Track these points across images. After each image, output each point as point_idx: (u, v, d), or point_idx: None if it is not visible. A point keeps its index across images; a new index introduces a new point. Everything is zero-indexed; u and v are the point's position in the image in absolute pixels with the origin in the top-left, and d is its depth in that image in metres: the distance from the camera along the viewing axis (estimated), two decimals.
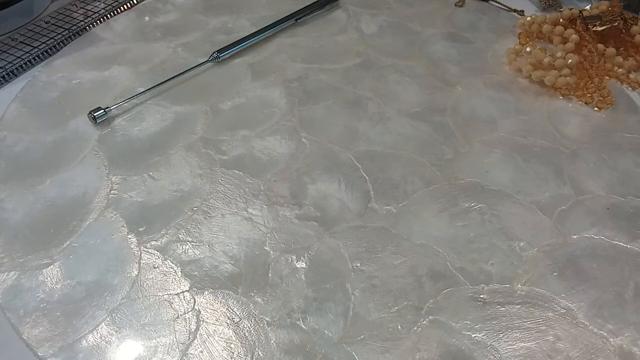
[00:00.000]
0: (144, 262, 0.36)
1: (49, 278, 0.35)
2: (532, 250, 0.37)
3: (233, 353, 0.32)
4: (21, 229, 0.38)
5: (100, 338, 0.32)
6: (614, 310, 0.34)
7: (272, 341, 0.32)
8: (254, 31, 0.56)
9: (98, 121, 0.46)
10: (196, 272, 0.36)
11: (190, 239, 0.38)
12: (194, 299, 0.34)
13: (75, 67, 0.52)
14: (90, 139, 0.45)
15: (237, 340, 0.32)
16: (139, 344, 0.32)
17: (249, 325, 0.33)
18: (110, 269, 0.36)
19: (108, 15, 0.60)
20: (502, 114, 0.48)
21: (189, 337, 0.32)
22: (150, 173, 0.42)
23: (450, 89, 0.50)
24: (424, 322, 0.33)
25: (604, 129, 0.46)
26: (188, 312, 0.34)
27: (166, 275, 0.36)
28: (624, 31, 0.53)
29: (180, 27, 0.58)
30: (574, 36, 0.51)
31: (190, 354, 0.32)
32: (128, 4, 0.61)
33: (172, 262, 0.36)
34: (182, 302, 0.34)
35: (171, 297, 0.34)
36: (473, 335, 0.32)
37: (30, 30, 0.57)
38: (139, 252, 0.37)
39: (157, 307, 0.34)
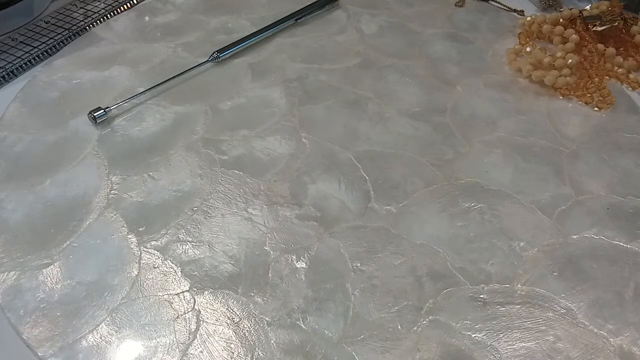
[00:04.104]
0: (144, 262, 0.36)
1: (49, 278, 0.35)
2: (532, 250, 0.37)
3: (233, 353, 0.32)
4: (21, 229, 0.38)
5: (100, 338, 0.32)
6: (614, 310, 0.34)
7: (272, 341, 0.32)
8: (254, 31, 0.56)
9: (98, 121, 0.46)
10: (196, 272, 0.36)
11: (190, 239, 0.38)
12: (194, 299, 0.34)
13: (75, 67, 0.52)
14: (90, 139, 0.45)
15: (237, 340, 0.32)
16: (139, 344, 0.32)
17: (249, 325, 0.33)
18: (110, 269, 0.36)
19: (108, 15, 0.60)
20: (502, 114, 0.48)
21: (189, 337, 0.32)
22: (150, 173, 0.42)
23: (450, 89, 0.50)
24: (424, 322, 0.33)
25: (604, 129, 0.46)
26: (188, 312, 0.34)
27: (166, 275, 0.36)
28: (624, 31, 0.53)
29: (180, 27, 0.58)
30: (574, 36, 0.51)
31: (190, 354, 0.32)
32: (128, 4, 0.61)
33: (172, 262, 0.36)
34: (182, 302, 0.34)
35: (171, 297, 0.34)
36: (473, 335, 0.32)
37: (30, 30, 0.57)
38: (139, 252, 0.37)
39: (157, 307, 0.34)
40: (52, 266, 0.36)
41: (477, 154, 0.44)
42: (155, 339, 0.32)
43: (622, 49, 0.54)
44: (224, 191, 0.41)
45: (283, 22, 0.57)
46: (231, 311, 0.34)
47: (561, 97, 0.49)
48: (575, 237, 0.38)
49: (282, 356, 0.32)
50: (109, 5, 0.61)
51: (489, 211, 0.39)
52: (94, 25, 0.58)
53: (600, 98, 0.49)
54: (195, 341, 0.32)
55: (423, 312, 0.34)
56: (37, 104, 0.49)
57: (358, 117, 0.47)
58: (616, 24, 0.52)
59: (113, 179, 0.42)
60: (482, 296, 0.34)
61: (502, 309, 0.34)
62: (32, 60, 0.53)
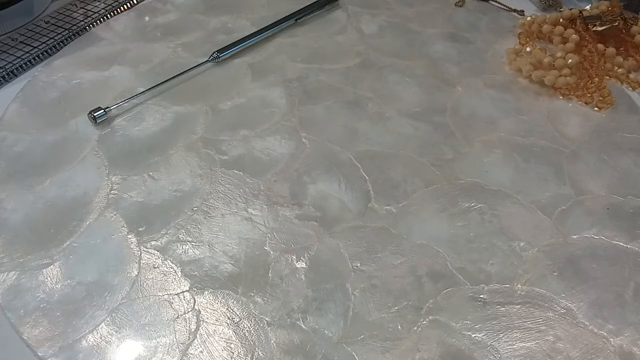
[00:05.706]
0: (144, 262, 0.36)
1: (49, 278, 0.35)
2: (532, 250, 0.37)
3: (233, 353, 0.32)
4: (21, 229, 0.38)
5: (100, 338, 0.32)
6: (614, 310, 0.34)
7: (272, 341, 0.32)
8: (254, 31, 0.56)
9: (98, 121, 0.46)
10: (196, 272, 0.36)
11: (190, 239, 0.38)
12: (194, 299, 0.34)
13: (75, 67, 0.52)
14: (90, 139, 0.45)
15: (237, 340, 0.32)
16: (139, 344, 0.32)
17: (249, 325, 0.33)
18: (110, 269, 0.36)
19: (108, 15, 0.60)
20: (502, 114, 0.48)
21: (189, 337, 0.32)
22: (150, 173, 0.42)
23: (450, 89, 0.50)
24: (424, 322, 0.33)
25: (604, 129, 0.46)
26: (188, 312, 0.34)
27: (166, 275, 0.36)
28: (624, 31, 0.53)
29: (180, 27, 0.58)
30: (574, 36, 0.51)
31: (190, 354, 0.32)
32: (128, 4, 0.61)
33: (172, 262, 0.36)
34: (182, 302, 0.34)
35: (171, 297, 0.34)
36: (473, 335, 0.32)
37: (30, 30, 0.57)
38: (139, 252, 0.37)
39: (157, 307, 0.34)
40: (52, 266, 0.36)
41: (477, 154, 0.44)
42: (155, 339, 0.32)
43: (622, 49, 0.54)
44: (224, 191, 0.41)
45: (283, 22, 0.57)
46: (231, 311, 0.34)
47: (561, 97, 0.49)
48: (575, 237, 0.38)
49: (282, 356, 0.32)
50: (109, 5, 0.61)
51: (489, 211, 0.39)
52: (94, 25, 0.58)
53: (600, 98, 0.49)
54: (195, 341, 0.32)
55: (423, 312, 0.34)
56: (37, 104, 0.49)
57: (358, 117, 0.47)
58: (616, 24, 0.52)
59: (113, 179, 0.42)
60: (482, 296, 0.34)
61: (502, 309, 0.34)
62: (32, 60, 0.53)
